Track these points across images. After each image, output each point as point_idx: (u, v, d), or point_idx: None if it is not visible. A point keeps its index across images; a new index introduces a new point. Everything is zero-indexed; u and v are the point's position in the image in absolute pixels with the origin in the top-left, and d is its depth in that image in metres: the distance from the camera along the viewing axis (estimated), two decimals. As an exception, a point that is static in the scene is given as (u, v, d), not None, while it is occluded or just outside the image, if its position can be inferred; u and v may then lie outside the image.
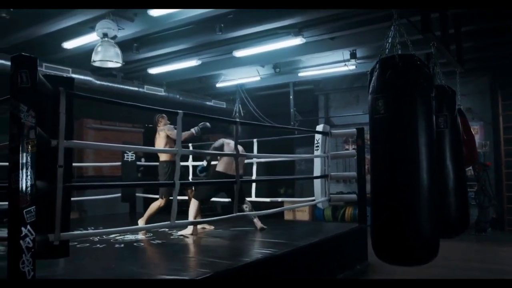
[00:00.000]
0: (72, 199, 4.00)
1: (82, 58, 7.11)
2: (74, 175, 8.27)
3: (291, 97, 10.69)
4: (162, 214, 5.43)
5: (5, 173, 2.33)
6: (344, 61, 8.25)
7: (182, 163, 4.16)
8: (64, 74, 7.47)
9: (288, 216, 9.85)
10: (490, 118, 9.33)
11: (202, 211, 5.98)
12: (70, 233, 2.98)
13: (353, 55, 7.92)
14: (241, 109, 10.92)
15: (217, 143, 5.58)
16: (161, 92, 9.80)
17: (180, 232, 5.40)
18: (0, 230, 4.52)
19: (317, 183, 6.32)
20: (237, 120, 5.11)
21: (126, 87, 9.13)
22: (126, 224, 5.72)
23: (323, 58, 8.41)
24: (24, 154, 2.28)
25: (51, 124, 2.78)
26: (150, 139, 6.58)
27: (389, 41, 3.53)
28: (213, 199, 6.30)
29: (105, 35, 5.84)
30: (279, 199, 8.19)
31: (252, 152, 6.78)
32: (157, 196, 5.82)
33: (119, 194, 7.56)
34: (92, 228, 5.76)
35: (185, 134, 5.09)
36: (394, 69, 3.22)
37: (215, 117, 5.60)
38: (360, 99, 10.40)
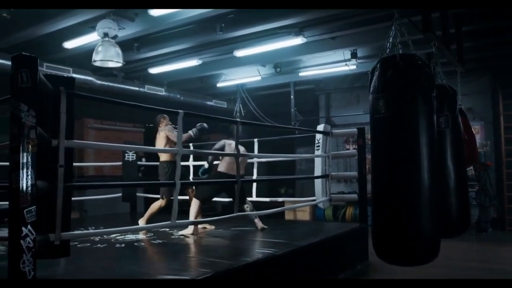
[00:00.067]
0: (72, 198, 4.00)
1: (83, 58, 7.11)
2: (74, 175, 8.27)
3: (291, 96, 10.68)
4: (162, 214, 5.43)
5: (6, 173, 2.33)
6: (345, 60, 8.23)
7: (182, 163, 4.15)
8: (65, 74, 7.46)
9: (288, 216, 9.85)
10: (491, 118, 9.32)
11: (203, 211, 5.98)
12: (70, 233, 2.98)
13: (354, 55, 7.91)
14: (241, 109, 10.91)
15: (218, 145, 5.57)
16: (161, 92, 9.80)
17: (181, 232, 5.40)
18: (1, 230, 4.54)
19: (318, 183, 6.31)
20: (238, 120, 5.11)
21: (126, 87, 9.12)
22: (126, 224, 5.73)
23: (324, 57, 8.40)
24: (25, 154, 2.28)
25: (52, 123, 2.78)
26: (150, 139, 6.58)
27: (390, 40, 3.53)
28: (214, 199, 6.30)
29: (105, 35, 5.84)
30: (280, 199, 8.20)
31: (253, 152, 6.77)
32: (158, 196, 5.82)
33: (120, 194, 7.57)
34: (93, 228, 5.76)
35: (184, 136, 5.09)
36: (395, 68, 3.22)
37: (216, 117, 5.60)
38: (361, 98, 10.39)
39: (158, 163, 5.92)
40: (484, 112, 9.33)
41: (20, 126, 2.29)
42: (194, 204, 5.43)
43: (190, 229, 5.38)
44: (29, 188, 2.28)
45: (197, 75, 9.56)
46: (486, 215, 8.55)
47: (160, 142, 5.72)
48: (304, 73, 9.28)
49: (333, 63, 8.58)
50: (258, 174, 7.08)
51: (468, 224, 4.60)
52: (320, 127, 6.52)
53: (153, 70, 8.78)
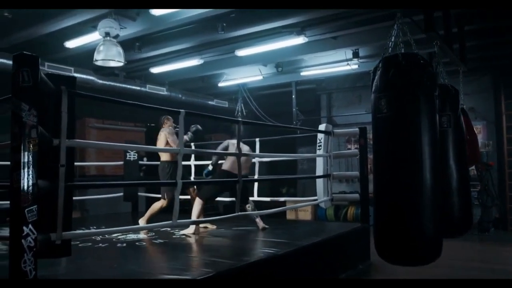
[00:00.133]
0: (74, 198, 4.00)
1: (84, 57, 7.11)
2: (76, 175, 8.28)
3: (293, 96, 10.66)
4: (163, 213, 5.43)
5: (7, 172, 2.32)
6: (346, 60, 8.22)
7: (184, 163, 4.15)
8: (66, 74, 7.46)
9: (290, 215, 9.85)
10: (493, 118, 9.30)
11: (205, 211, 5.97)
12: (72, 232, 2.98)
13: (355, 54, 7.89)
14: (243, 108, 10.91)
15: (223, 145, 5.55)
16: (163, 91, 9.79)
17: (182, 231, 5.40)
18: (2, 229, 4.55)
19: (320, 182, 6.31)
20: (239, 119, 5.11)
21: (128, 86, 9.13)
22: (128, 224, 5.74)
23: (326, 57, 8.38)
24: (26, 153, 2.28)
25: (53, 123, 2.78)
26: (152, 138, 6.57)
27: (392, 40, 3.52)
28: (216, 198, 6.29)
29: (107, 34, 5.84)
30: (281, 199, 8.19)
31: (254, 151, 6.77)
32: (159, 196, 5.82)
33: (121, 194, 7.57)
34: (94, 227, 5.76)
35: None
36: (397, 68, 3.20)
37: (218, 116, 5.59)
38: (363, 98, 10.38)
39: (159, 162, 5.92)
40: (486, 111, 9.30)
41: (21, 126, 2.29)
42: (197, 204, 5.42)
43: (191, 229, 5.38)
44: (30, 188, 2.28)
45: (199, 74, 9.56)
46: (488, 215, 8.53)
47: (160, 143, 5.72)
48: (306, 73, 9.27)
49: (334, 63, 8.56)
50: (259, 173, 7.07)
51: (470, 224, 4.58)
52: (322, 127, 6.52)
53: (155, 70, 8.78)
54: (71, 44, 6.83)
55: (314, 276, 4.46)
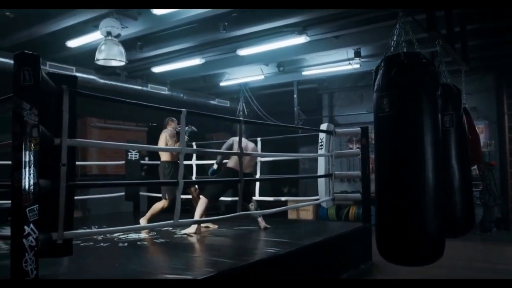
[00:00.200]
0: (75, 197, 4.00)
1: (86, 57, 7.11)
2: (77, 174, 8.28)
3: (295, 96, 10.66)
4: (165, 213, 5.42)
5: (8, 172, 2.32)
6: (348, 59, 8.21)
7: (185, 162, 4.15)
8: (68, 73, 7.46)
9: (292, 215, 9.84)
10: (495, 117, 9.28)
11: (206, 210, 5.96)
12: (73, 232, 2.97)
13: (357, 54, 7.87)
14: (244, 108, 10.90)
15: (227, 143, 5.52)
16: (164, 91, 9.79)
17: (184, 231, 5.40)
18: (4, 228, 4.55)
19: (321, 182, 6.31)
20: (241, 118, 5.10)
21: (129, 85, 9.13)
22: (129, 223, 5.74)
23: (327, 56, 8.37)
24: (27, 152, 2.28)
25: (54, 122, 2.77)
26: (153, 138, 6.57)
27: (394, 39, 3.51)
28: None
29: (108, 33, 5.84)
30: (283, 198, 8.18)
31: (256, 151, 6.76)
32: (160, 195, 5.81)
33: (123, 193, 7.57)
34: (96, 226, 5.76)
35: (176, 145, 5.15)
36: (399, 67, 3.19)
37: (219, 115, 5.59)
38: (364, 98, 10.37)
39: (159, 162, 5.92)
40: (488, 111, 9.29)
41: (23, 125, 2.29)
42: (202, 203, 5.40)
43: (193, 228, 5.37)
44: (32, 187, 2.28)
45: (200, 74, 9.56)
46: (491, 214, 8.51)
47: (161, 143, 5.72)
48: (308, 72, 9.26)
49: (336, 62, 8.56)
50: (261, 173, 7.07)
51: (473, 224, 4.57)
52: (324, 126, 6.51)
53: (156, 69, 8.78)
54: (72, 43, 6.83)
55: (315, 276, 4.45)
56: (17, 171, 2.25)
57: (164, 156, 5.77)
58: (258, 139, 6.94)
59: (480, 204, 8.30)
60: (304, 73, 9.32)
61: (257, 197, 6.52)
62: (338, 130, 6.78)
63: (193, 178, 7.31)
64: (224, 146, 5.52)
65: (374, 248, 3.88)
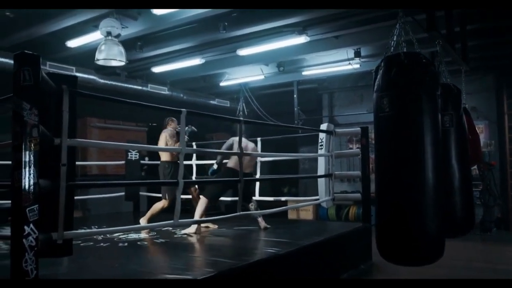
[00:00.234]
0: (75, 197, 3.99)
1: (86, 57, 7.11)
2: (77, 174, 8.28)
3: (295, 96, 10.66)
4: (165, 213, 5.42)
5: (8, 172, 2.32)
6: (348, 59, 8.21)
7: (185, 162, 4.15)
8: (68, 73, 7.46)
9: (292, 215, 9.84)
10: (495, 117, 9.28)
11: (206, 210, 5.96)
12: (73, 232, 2.97)
13: (357, 54, 7.87)
14: (244, 108, 10.90)
15: (227, 143, 5.52)
16: (164, 91, 9.79)
17: (184, 231, 5.39)
18: (4, 228, 4.55)
19: (321, 182, 6.31)
20: (241, 119, 5.10)
21: (129, 86, 9.13)
22: (129, 223, 5.74)
23: (327, 56, 8.37)
24: (27, 152, 2.28)
25: (54, 122, 2.77)
26: (153, 138, 6.57)
27: (394, 39, 3.50)
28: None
29: (108, 33, 5.84)
30: (283, 198, 8.18)
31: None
32: (160, 195, 5.81)
33: (123, 193, 7.57)
34: (96, 226, 5.76)
35: (176, 145, 5.16)
36: (399, 67, 3.19)
37: (219, 115, 5.58)
38: (364, 98, 10.37)
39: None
40: (488, 111, 9.29)
41: (23, 125, 2.28)
42: (202, 203, 5.40)
43: (193, 228, 5.37)
44: (32, 187, 2.28)
45: (200, 74, 9.56)
46: (491, 214, 8.51)
47: (161, 143, 5.72)
48: (308, 72, 9.26)
49: (336, 62, 8.56)
50: (261, 173, 7.07)
51: (473, 224, 4.57)
52: (324, 126, 6.51)
53: (156, 69, 8.78)
54: (72, 43, 6.83)
55: (315, 276, 4.45)
56: (17, 171, 2.25)
57: (164, 156, 5.77)
58: (258, 139, 6.94)
59: (480, 204, 8.30)
60: (304, 73, 9.31)
61: (257, 197, 6.52)
62: (338, 130, 6.78)
63: (193, 178, 7.31)
64: (224, 146, 5.52)
65: (374, 248, 3.87)
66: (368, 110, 9.18)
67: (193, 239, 5.15)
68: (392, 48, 3.49)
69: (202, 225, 5.64)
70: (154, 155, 7.68)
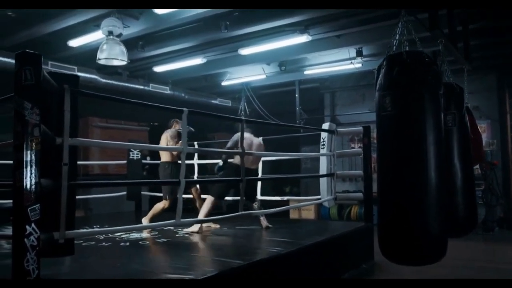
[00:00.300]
0: (77, 197, 3.99)
1: (88, 56, 7.11)
2: (79, 173, 8.29)
3: (296, 95, 10.65)
4: (167, 212, 5.42)
5: (10, 171, 2.32)
6: (350, 59, 8.20)
7: (186, 162, 4.14)
8: (69, 72, 7.46)
9: (293, 214, 9.83)
10: (497, 116, 9.26)
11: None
12: (75, 231, 2.96)
13: (359, 53, 7.87)
14: (246, 107, 10.89)
15: (232, 140, 5.48)
16: (166, 90, 9.80)
17: (187, 229, 5.39)
18: (6, 228, 4.55)
19: (323, 181, 6.29)
20: (243, 118, 5.09)
21: (131, 85, 9.14)
22: (131, 223, 5.74)
23: (329, 56, 8.37)
24: (29, 152, 2.27)
25: (56, 121, 2.76)
26: (155, 138, 6.57)
27: (397, 38, 3.49)
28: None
29: (110, 33, 5.84)
30: (285, 198, 8.17)
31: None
32: (162, 195, 5.81)
33: (125, 193, 7.57)
34: (98, 226, 5.77)
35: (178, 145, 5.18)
36: (401, 66, 3.18)
37: (221, 115, 5.57)
38: (366, 97, 10.35)
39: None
40: (490, 110, 9.26)
41: (24, 124, 2.28)
42: (208, 202, 5.39)
43: (196, 227, 5.37)
44: (33, 186, 2.27)
45: (202, 73, 9.56)
46: (493, 214, 8.49)
47: (162, 144, 5.73)
48: (309, 72, 9.25)
49: (338, 61, 8.55)
50: (262, 172, 7.04)
51: (475, 224, 4.56)
52: (325, 126, 6.49)
53: (158, 69, 8.78)
54: (74, 43, 6.84)
55: (317, 275, 4.44)
56: (18, 171, 2.25)
57: (164, 157, 5.77)
58: (260, 138, 6.92)
59: (482, 203, 8.27)
60: (306, 72, 9.31)
61: (259, 196, 6.51)
62: (340, 129, 6.76)
63: (195, 178, 7.30)
64: (230, 142, 5.50)
65: (376, 247, 3.86)
66: (370, 109, 9.17)
67: (195, 239, 5.15)
68: (395, 47, 3.48)
69: (204, 224, 5.64)
70: (156, 155, 7.67)
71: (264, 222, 5.65)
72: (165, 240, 4.97)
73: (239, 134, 5.40)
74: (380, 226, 3.33)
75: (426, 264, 3.28)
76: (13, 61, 2.41)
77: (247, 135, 5.57)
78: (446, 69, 4.71)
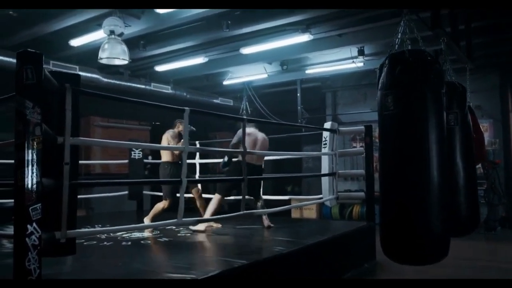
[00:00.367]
0: (79, 196, 3.99)
1: (89, 55, 7.11)
2: (81, 173, 8.29)
3: (298, 94, 10.64)
4: (169, 212, 5.42)
5: (11, 171, 2.31)
6: (351, 58, 8.19)
7: (188, 161, 4.13)
8: (71, 72, 7.46)
9: (295, 214, 9.83)
10: (500, 116, 9.24)
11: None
12: (76, 231, 2.96)
13: (361, 52, 7.85)
14: (248, 106, 10.89)
15: (237, 136, 5.46)
16: (168, 89, 9.80)
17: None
18: (7, 227, 4.55)
19: (325, 180, 6.28)
20: (244, 117, 5.08)
21: (133, 84, 9.14)
22: (133, 222, 5.75)
23: (331, 55, 8.36)
24: (30, 151, 2.26)
25: (57, 121, 2.76)
26: (157, 137, 6.57)
27: (399, 37, 3.48)
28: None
29: (112, 32, 5.82)
30: (286, 197, 8.17)
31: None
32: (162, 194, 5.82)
33: (126, 192, 7.57)
34: (99, 225, 5.77)
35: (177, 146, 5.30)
36: (404, 64, 3.17)
37: (222, 114, 5.56)
38: (368, 96, 10.34)
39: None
40: (492, 109, 9.24)
41: (25, 123, 2.27)
42: (215, 201, 5.39)
43: (202, 226, 5.38)
44: (35, 186, 2.26)
45: (203, 72, 9.56)
46: (495, 213, 8.47)
47: (163, 143, 5.72)
48: (311, 71, 9.24)
49: (340, 61, 8.54)
50: (264, 172, 7.03)
51: (477, 223, 4.54)
52: (327, 125, 6.48)
53: (159, 68, 8.77)
54: (75, 42, 6.84)
55: (318, 275, 4.43)
56: (20, 170, 2.24)
57: (165, 157, 5.76)
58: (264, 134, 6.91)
59: (484, 203, 8.25)
60: (307, 71, 9.29)
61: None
62: (342, 128, 6.76)
63: (197, 177, 7.30)
64: (236, 138, 5.48)
65: (378, 247, 3.85)
66: (371, 108, 9.15)
67: (197, 238, 5.15)
68: (397, 45, 3.47)
69: (206, 224, 5.63)
70: (158, 154, 7.68)
71: (266, 221, 5.65)
72: (166, 239, 4.97)
73: (241, 130, 5.41)
74: (382, 225, 3.33)
75: (428, 264, 3.27)
76: (14, 60, 2.40)
77: (251, 129, 5.58)
78: (448, 68, 4.70)
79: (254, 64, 8.94)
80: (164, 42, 7.25)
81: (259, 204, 5.54)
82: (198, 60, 8.18)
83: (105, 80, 8.54)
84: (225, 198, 5.80)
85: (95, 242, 4.65)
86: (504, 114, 9.18)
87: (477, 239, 7.45)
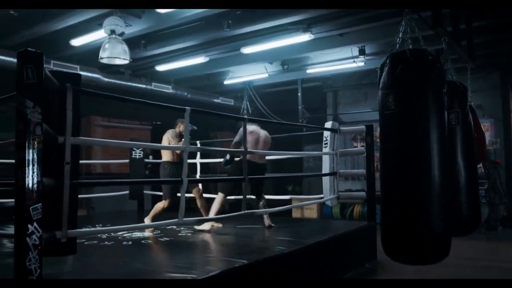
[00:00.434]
0: (80, 196, 3.99)
1: (90, 55, 7.11)
2: (82, 172, 8.29)
3: (299, 94, 10.64)
4: (169, 211, 5.41)
5: (12, 170, 2.31)
6: (352, 57, 8.18)
7: (189, 161, 4.13)
8: (72, 71, 7.46)
9: (296, 213, 9.82)
10: (501, 115, 9.23)
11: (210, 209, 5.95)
12: (77, 230, 2.96)
13: (361, 52, 7.85)
14: (249, 106, 10.88)
15: (239, 135, 5.45)
16: (168, 89, 9.80)
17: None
18: (8, 227, 4.55)
19: (326, 180, 6.28)
20: (245, 117, 5.08)
21: (134, 84, 9.14)
22: (134, 222, 5.75)
23: (332, 54, 8.35)
24: (31, 151, 2.26)
25: (58, 120, 2.76)
26: (157, 137, 6.56)
27: (400, 36, 3.47)
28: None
29: (112, 32, 5.82)
30: (287, 197, 8.16)
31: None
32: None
33: (127, 192, 7.57)
34: (100, 225, 5.77)
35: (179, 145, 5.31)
36: (405, 64, 3.16)
37: (223, 114, 5.56)
38: (369, 96, 10.34)
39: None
40: (493, 109, 9.23)
41: (26, 123, 2.27)
42: (218, 199, 5.39)
43: (207, 225, 5.39)
44: (35, 185, 2.26)
45: (204, 72, 9.56)
46: (496, 213, 8.46)
47: (164, 143, 5.73)
48: (312, 70, 9.24)
49: (341, 60, 8.54)
50: (266, 171, 7.03)
51: (479, 222, 4.54)
52: (328, 125, 6.48)
53: (160, 68, 8.77)
54: (76, 42, 6.84)
55: (319, 275, 4.43)
56: (20, 170, 2.24)
57: (165, 157, 5.76)
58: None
59: (485, 202, 8.24)
60: (308, 71, 9.29)
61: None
62: (343, 128, 6.75)
63: (197, 177, 7.30)
64: (238, 136, 5.48)
65: (379, 246, 3.85)
66: (372, 108, 9.14)
67: (197, 238, 5.15)
68: (398, 45, 3.46)
69: (211, 223, 5.63)
70: (158, 154, 7.68)
71: (266, 221, 5.65)
72: (167, 239, 4.97)
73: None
74: (383, 225, 3.32)
75: (430, 263, 3.26)
76: (15, 60, 2.40)
77: (253, 127, 5.58)
78: (449, 67, 4.69)
79: (255, 63, 8.94)
80: (165, 42, 7.25)
81: (261, 203, 5.54)
82: (199, 59, 8.18)
83: (106, 79, 8.54)
84: (227, 197, 5.80)
85: (96, 241, 4.65)
86: (505, 114, 9.18)
87: (478, 239, 7.45)
